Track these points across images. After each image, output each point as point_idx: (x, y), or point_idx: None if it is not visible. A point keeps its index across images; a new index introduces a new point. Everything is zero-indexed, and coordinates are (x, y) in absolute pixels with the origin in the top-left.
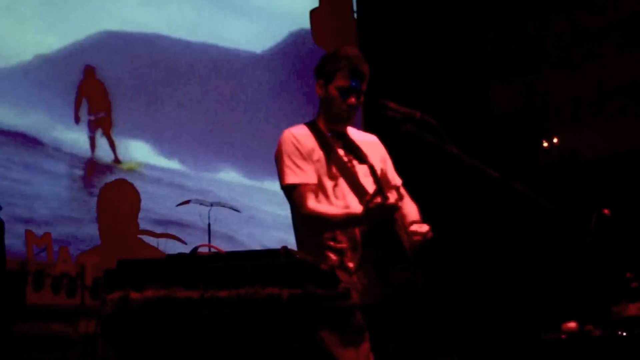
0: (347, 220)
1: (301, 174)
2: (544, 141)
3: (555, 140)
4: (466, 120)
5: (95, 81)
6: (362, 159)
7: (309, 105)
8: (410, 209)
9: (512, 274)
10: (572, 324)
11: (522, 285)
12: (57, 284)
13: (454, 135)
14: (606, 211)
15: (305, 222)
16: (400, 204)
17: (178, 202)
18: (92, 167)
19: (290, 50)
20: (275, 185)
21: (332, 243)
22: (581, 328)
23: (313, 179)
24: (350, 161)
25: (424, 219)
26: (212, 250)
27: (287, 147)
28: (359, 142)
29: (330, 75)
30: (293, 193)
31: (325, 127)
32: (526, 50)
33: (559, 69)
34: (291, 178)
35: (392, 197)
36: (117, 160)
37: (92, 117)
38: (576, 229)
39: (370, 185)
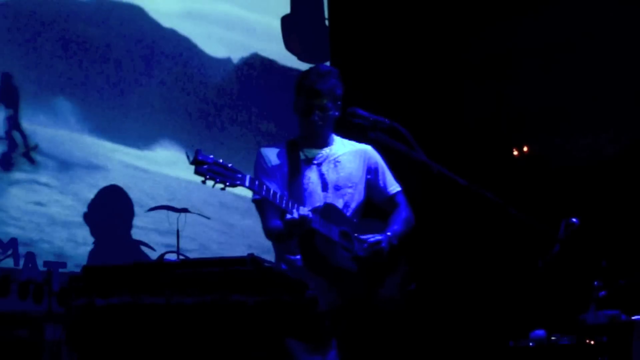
0: (280, 236)
1: (264, 189)
2: (514, 149)
3: (525, 148)
4: (438, 127)
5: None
6: (333, 173)
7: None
8: (391, 217)
9: (479, 282)
10: (540, 332)
11: (490, 294)
12: (23, 290)
13: (426, 141)
14: (574, 220)
15: (267, 236)
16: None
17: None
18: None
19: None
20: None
21: (287, 254)
22: (549, 336)
23: (276, 194)
24: (318, 176)
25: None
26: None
27: (256, 165)
28: (345, 153)
29: (295, 95)
30: (258, 208)
31: (303, 143)
32: (498, 57)
33: (531, 76)
34: (255, 195)
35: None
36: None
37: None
38: (545, 237)
39: (332, 200)
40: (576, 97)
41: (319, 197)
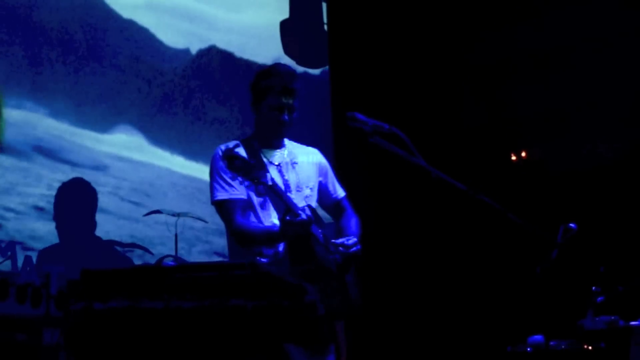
0: (267, 238)
1: (230, 190)
2: (512, 154)
3: (523, 153)
4: (436, 132)
5: None
6: (292, 175)
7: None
8: (347, 222)
9: (478, 288)
10: (538, 338)
11: (488, 299)
12: (21, 293)
13: (425, 146)
14: (572, 225)
15: (233, 237)
16: (340, 217)
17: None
18: None
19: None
20: None
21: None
22: (547, 342)
23: (241, 195)
24: (280, 177)
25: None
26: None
27: (218, 164)
28: (296, 155)
29: (263, 93)
30: (222, 209)
31: (260, 144)
32: (497, 62)
33: (530, 80)
34: (220, 194)
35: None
36: None
37: None
38: (543, 243)
39: (297, 201)
40: (575, 102)
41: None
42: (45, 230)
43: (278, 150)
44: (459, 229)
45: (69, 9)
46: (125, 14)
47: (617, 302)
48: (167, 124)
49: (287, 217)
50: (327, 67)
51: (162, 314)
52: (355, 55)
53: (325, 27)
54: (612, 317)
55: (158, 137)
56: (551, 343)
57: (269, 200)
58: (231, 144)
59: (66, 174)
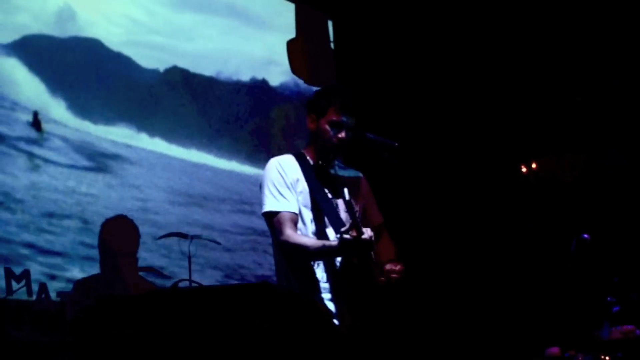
0: (322, 251)
1: (283, 201)
2: (522, 165)
3: (533, 165)
4: (445, 146)
5: None
6: (344, 194)
7: None
8: (386, 247)
9: (493, 300)
10: (554, 350)
11: (504, 312)
12: (37, 320)
13: (434, 160)
14: (586, 236)
15: (282, 249)
16: (378, 242)
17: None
18: None
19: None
20: None
21: (306, 272)
22: (564, 353)
23: (294, 208)
24: (332, 195)
25: (402, 249)
26: (193, 284)
27: (272, 175)
28: (344, 177)
29: (322, 110)
30: (273, 220)
31: (314, 160)
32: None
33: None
34: (273, 205)
35: (367, 233)
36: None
37: None
38: (557, 254)
39: (348, 221)
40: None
41: (341, 220)
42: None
43: (332, 168)
44: (475, 241)
45: (75, 49)
46: (115, 48)
47: (633, 311)
48: (146, 124)
49: (349, 234)
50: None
51: (178, 339)
52: (362, 72)
53: (332, 45)
54: (629, 327)
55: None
56: (567, 354)
57: (321, 217)
58: (285, 157)
59: None
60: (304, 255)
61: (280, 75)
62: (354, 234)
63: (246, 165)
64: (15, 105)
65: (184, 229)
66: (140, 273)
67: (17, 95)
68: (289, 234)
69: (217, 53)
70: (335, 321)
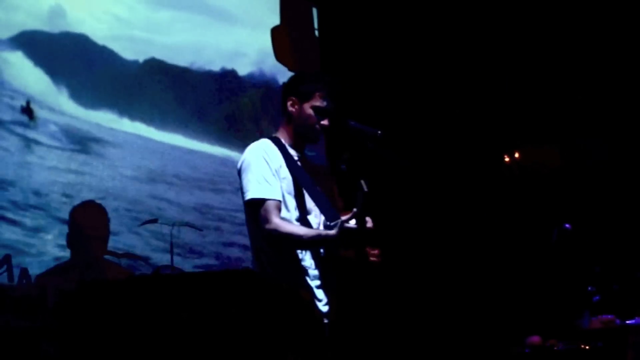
0: (317, 241)
1: (268, 188)
2: (505, 155)
3: (516, 154)
4: (430, 134)
5: None
6: (320, 182)
7: None
8: None
9: (474, 289)
10: (535, 339)
11: (485, 300)
12: (18, 306)
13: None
14: (567, 226)
15: (270, 238)
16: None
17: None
18: None
19: None
20: None
21: (294, 261)
22: (544, 342)
23: (279, 196)
24: (313, 182)
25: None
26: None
27: (256, 160)
28: (312, 166)
29: (308, 94)
30: (259, 208)
31: (290, 146)
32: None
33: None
34: (257, 192)
35: (369, 222)
36: None
37: None
38: (539, 243)
39: (329, 208)
40: (567, 101)
41: (329, 206)
42: None
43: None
44: (456, 230)
45: (66, 43)
46: (100, 41)
47: (613, 301)
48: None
49: (349, 224)
50: (318, 72)
51: (159, 325)
52: (347, 59)
53: (316, 32)
54: (609, 317)
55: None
56: (548, 343)
57: (304, 205)
58: (265, 143)
59: None
60: (294, 245)
61: (248, 65)
62: (354, 223)
63: (216, 146)
64: (13, 93)
65: (156, 205)
66: (122, 259)
67: (12, 82)
68: (277, 222)
69: (191, 46)
70: (325, 308)
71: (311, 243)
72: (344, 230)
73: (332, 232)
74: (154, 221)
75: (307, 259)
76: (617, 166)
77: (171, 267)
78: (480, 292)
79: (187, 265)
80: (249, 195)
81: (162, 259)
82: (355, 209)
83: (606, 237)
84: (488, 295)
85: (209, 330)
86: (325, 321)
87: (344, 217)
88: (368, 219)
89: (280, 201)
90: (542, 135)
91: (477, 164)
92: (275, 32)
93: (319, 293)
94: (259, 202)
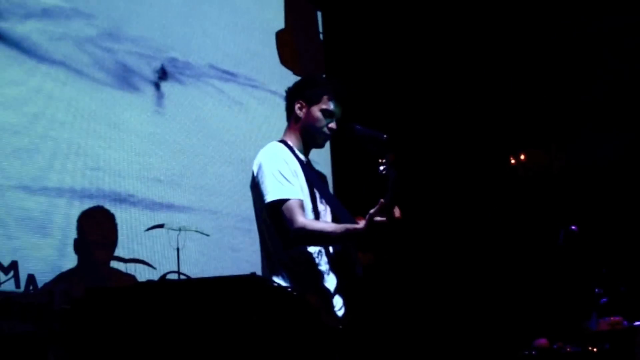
0: (346, 235)
1: (291, 188)
2: (511, 157)
3: (522, 156)
4: (434, 136)
5: None
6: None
7: None
8: None
9: (481, 291)
10: (542, 341)
11: (493, 303)
12: (25, 312)
13: (423, 150)
14: (574, 227)
15: (296, 237)
16: None
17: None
18: None
19: None
20: None
21: (310, 266)
22: (552, 344)
23: (301, 195)
24: (324, 185)
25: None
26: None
27: (276, 161)
28: (316, 171)
29: (315, 97)
30: (282, 208)
31: (298, 150)
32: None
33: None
34: (280, 193)
35: (397, 212)
36: None
37: None
38: (546, 245)
39: (343, 211)
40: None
41: (343, 208)
42: None
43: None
44: (464, 233)
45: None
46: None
47: (621, 303)
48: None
49: (378, 218)
50: (323, 76)
51: (166, 331)
52: (352, 63)
53: (321, 36)
54: (616, 318)
55: None
56: (555, 346)
57: (320, 206)
58: (279, 145)
59: None
60: (324, 241)
61: None
62: (384, 217)
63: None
64: None
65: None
66: (128, 265)
67: None
68: (304, 221)
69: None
70: (340, 312)
71: (341, 238)
72: (372, 223)
73: (361, 225)
74: (160, 226)
75: (322, 264)
76: (622, 168)
77: (178, 273)
78: (487, 295)
79: (193, 270)
80: (271, 197)
81: (169, 264)
82: (382, 200)
83: (613, 238)
84: (495, 297)
85: (216, 336)
86: (340, 327)
87: (372, 211)
88: (396, 210)
89: (302, 200)
90: (548, 136)
91: (483, 166)
92: (280, 35)
93: (335, 298)
94: (281, 203)
